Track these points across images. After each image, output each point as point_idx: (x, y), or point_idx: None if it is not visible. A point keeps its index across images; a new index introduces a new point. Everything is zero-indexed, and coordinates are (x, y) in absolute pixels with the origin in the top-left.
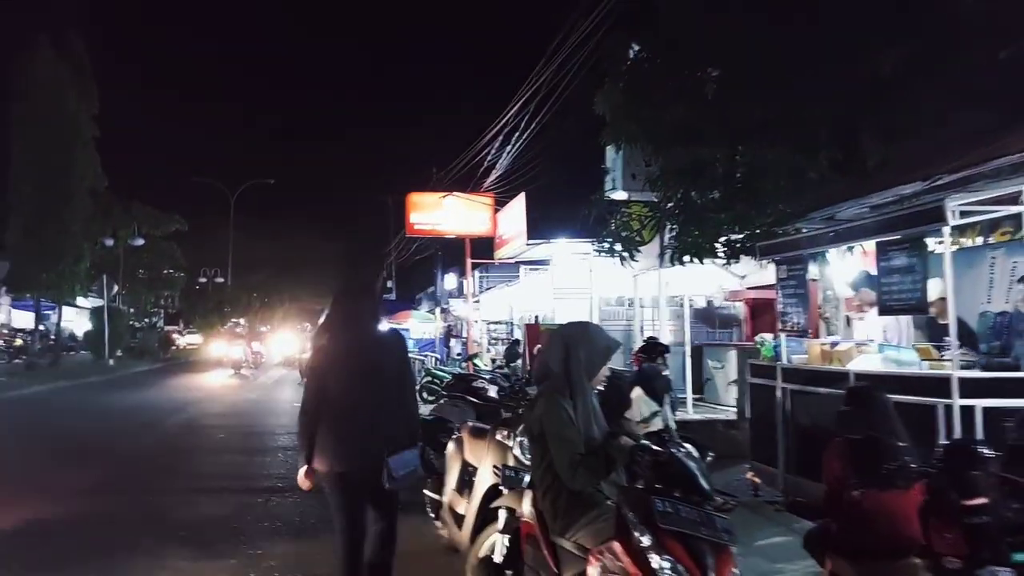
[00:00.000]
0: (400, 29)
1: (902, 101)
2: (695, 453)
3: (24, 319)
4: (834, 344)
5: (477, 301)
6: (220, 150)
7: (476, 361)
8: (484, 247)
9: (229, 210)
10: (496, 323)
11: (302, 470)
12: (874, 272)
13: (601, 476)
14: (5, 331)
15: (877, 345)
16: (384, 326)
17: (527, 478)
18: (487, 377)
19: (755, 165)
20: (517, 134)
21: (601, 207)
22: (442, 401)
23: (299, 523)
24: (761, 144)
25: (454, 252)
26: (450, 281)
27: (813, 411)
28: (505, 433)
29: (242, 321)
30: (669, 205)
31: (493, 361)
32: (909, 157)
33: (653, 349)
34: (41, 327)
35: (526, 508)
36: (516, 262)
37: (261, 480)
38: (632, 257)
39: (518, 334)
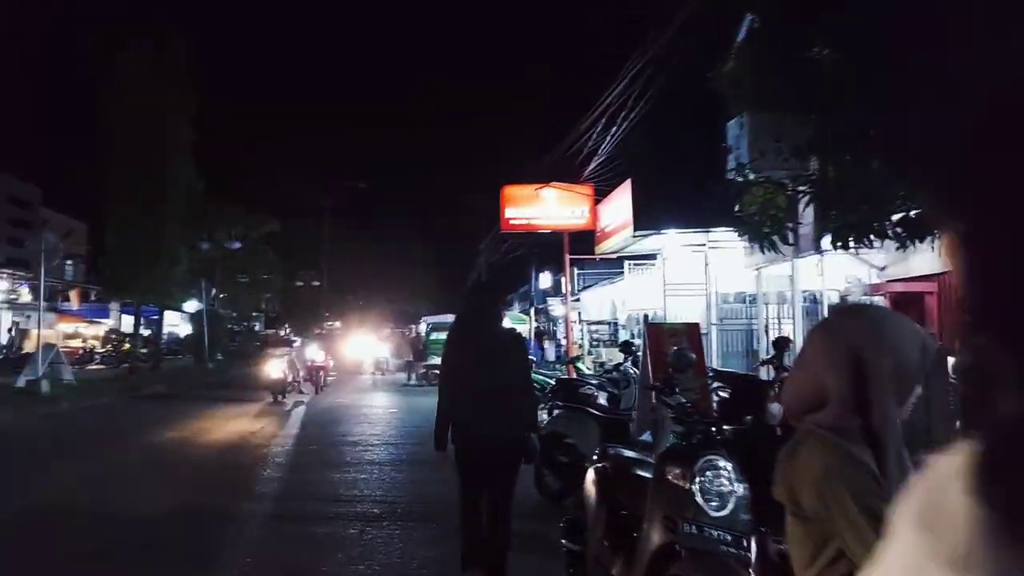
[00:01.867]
0: (491, 11)
1: None
2: None
3: (127, 324)
4: None
5: (576, 300)
6: (313, 153)
7: (579, 364)
8: (583, 242)
9: (323, 214)
10: (598, 323)
11: (439, 454)
12: None
13: None
14: (113, 336)
15: None
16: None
17: (723, 536)
18: (594, 383)
19: None
20: (623, 114)
21: (727, 190)
22: (556, 412)
23: (400, 565)
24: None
25: (549, 249)
26: (545, 280)
27: None
28: (678, 472)
29: (336, 324)
30: (826, 177)
31: (601, 365)
32: None
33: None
34: (148, 332)
35: None
36: (618, 257)
37: (354, 503)
38: (786, 241)
39: (623, 335)
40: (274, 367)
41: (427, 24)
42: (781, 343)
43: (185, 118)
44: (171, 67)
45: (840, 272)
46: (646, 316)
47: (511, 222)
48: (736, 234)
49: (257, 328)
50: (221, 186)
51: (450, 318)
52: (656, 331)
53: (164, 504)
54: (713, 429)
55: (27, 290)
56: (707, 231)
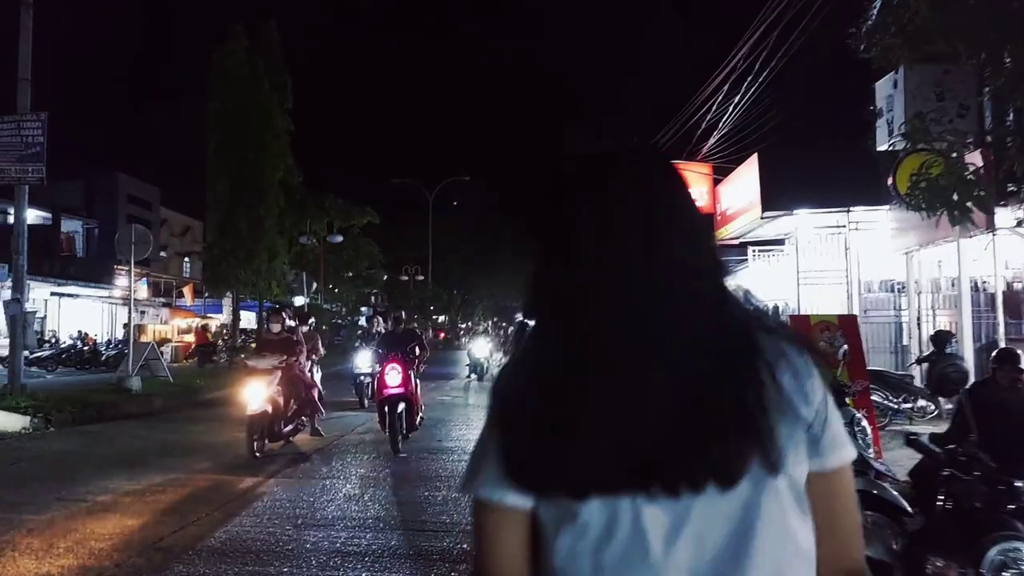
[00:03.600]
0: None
1: None
2: None
3: (248, 320)
4: None
5: None
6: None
7: None
8: None
9: (427, 207)
10: None
11: None
12: None
13: None
14: (225, 331)
15: None
16: None
17: None
18: None
19: None
20: (749, 78)
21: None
22: None
23: None
24: None
25: None
26: None
27: None
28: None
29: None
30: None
31: None
32: None
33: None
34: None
35: None
36: (741, 243)
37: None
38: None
39: None
40: (255, 391)
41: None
42: (942, 338)
43: (281, 108)
44: (266, 57)
45: (991, 256)
46: (776, 308)
47: None
48: (893, 211)
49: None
50: (325, 182)
51: None
52: (802, 324)
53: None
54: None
55: (145, 286)
56: (847, 210)
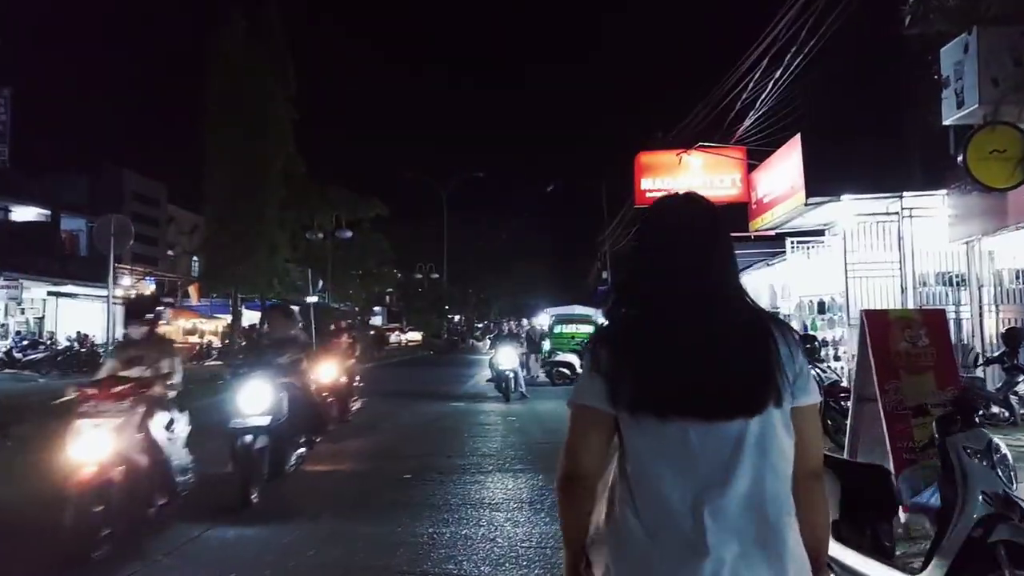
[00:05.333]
0: None
1: None
2: None
3: (252, 318)
4: None
5: None
6: (430, 142)
7: None
8: (731, 219)
9: (442, 204)
10: None
11: None
12: None
13: None
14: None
15: None
16: None
17: None
18: None
19: None
20: (793, 50)
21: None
22: None
23: None
24: None
25: None
26: None
27: None
28: None
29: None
30: None
31: None
32: None
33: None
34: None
35: None
36: (777, 234)
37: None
38: None
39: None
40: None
41: None
42: (1015, 336)
43: (283, 95)
44: (267, 41)
45: None
46: (822, 303)
47: (648, 195)
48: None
49: (378, 322)
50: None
51: (577, 309)
52: (880, 321)
53: None
54: None
55: (152, 285)
56: (900, 196)
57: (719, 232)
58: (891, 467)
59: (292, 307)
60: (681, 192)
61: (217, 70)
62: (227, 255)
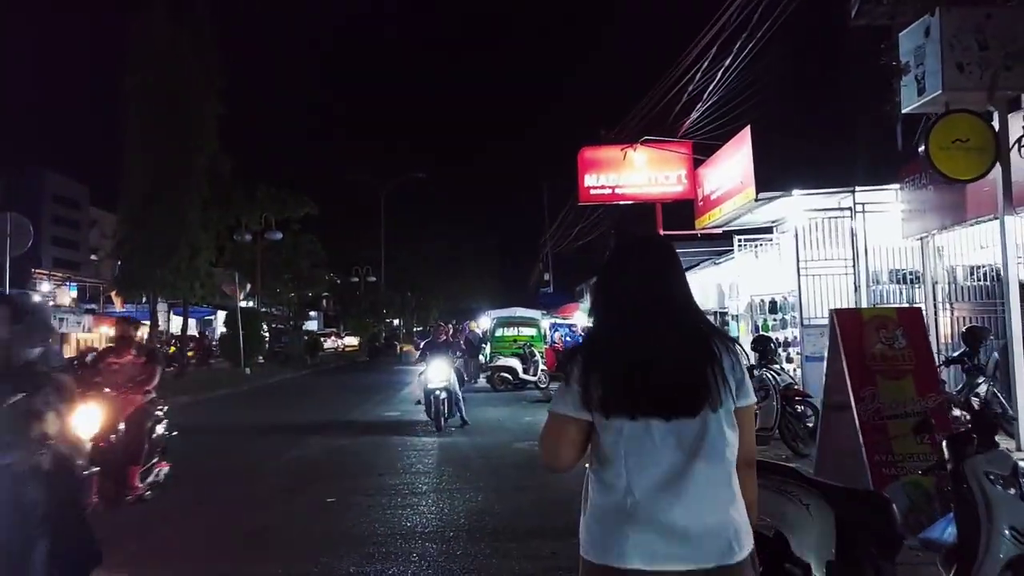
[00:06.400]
0: None
1: None
2: None
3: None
4: None
5: None
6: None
7: None
8: (676, 215)
9: (380, 207)
10: None
11: None
12: None
13: None
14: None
15: None
16: None
17: None
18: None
19: None
20: (743, 38)
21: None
22: None
23: None
24: None
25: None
26: None
27: None
28: None
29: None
30: None
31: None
32: None
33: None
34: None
35: None
36: (724, 232)
37: None
38: None
39: (738, 328)
40: None
41: None
42: (975, 336)
43: (209, 88)
44: (192, 30)
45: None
46: (773, 302)
47: (591, 191)
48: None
49: (313, 328)
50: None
51: (519, 311)
52: (852, 321)
53: None
54: None
55: (74, 291)
56: (852, 191)
57: (674, 268)
58: (870, 483)
59: (27, 299)
60: (641, 236)
61: (136, 58)
62: (144, 258)
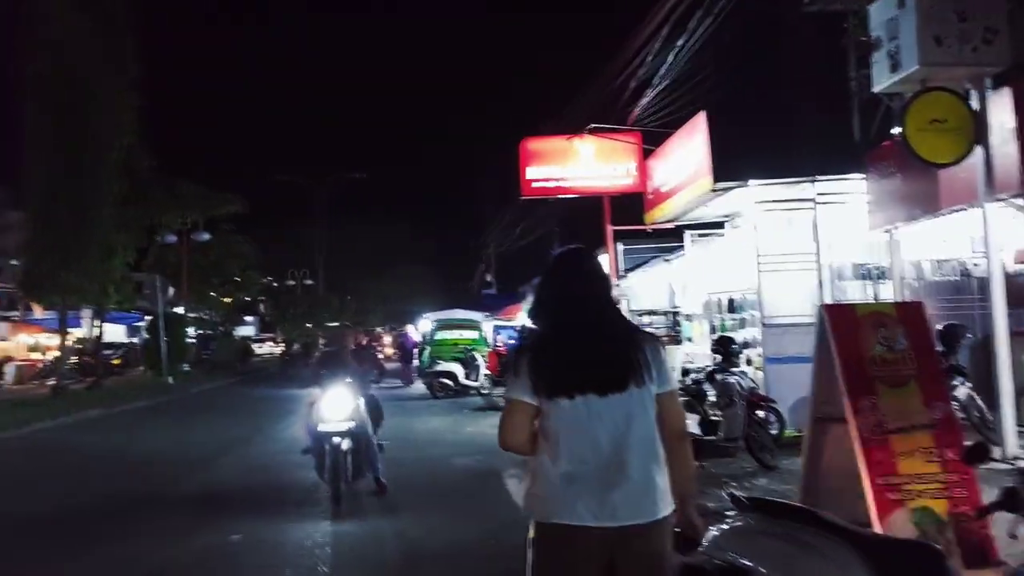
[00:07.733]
0: None
1: None
2: None
3: (116, 333)
4: None
5: (616, 285)
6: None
7: None
8: (624, 210)
9: (317, 207)
10: (650, 313)
11: None
12: None
13: None
14: (79, 347)
15: None
16: None
17: None
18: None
19: None
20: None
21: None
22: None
23: None
24: None
25: (583, 223)
26: None
27: None
28: None
29: None
30: None
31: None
32: None
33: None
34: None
35: None
36: (676, 226)
37: None
38: None
39: (695, 328)
40: None
41: None
42: (952, 334)
43: (121, 77)
44: (99, 15)
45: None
46: (732, 301)
47: (533, 184)
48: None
49: (250, 334)
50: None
51: (459, 314)
52: (845, 319)
53: None
54: None
55: None
56: (812, 180)
57: (601, 275)
58: (872, 510)
59: None
60: (573, 247)
61: (32, 43)
62: (50, 259)
